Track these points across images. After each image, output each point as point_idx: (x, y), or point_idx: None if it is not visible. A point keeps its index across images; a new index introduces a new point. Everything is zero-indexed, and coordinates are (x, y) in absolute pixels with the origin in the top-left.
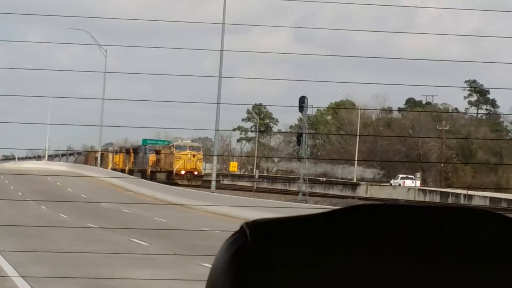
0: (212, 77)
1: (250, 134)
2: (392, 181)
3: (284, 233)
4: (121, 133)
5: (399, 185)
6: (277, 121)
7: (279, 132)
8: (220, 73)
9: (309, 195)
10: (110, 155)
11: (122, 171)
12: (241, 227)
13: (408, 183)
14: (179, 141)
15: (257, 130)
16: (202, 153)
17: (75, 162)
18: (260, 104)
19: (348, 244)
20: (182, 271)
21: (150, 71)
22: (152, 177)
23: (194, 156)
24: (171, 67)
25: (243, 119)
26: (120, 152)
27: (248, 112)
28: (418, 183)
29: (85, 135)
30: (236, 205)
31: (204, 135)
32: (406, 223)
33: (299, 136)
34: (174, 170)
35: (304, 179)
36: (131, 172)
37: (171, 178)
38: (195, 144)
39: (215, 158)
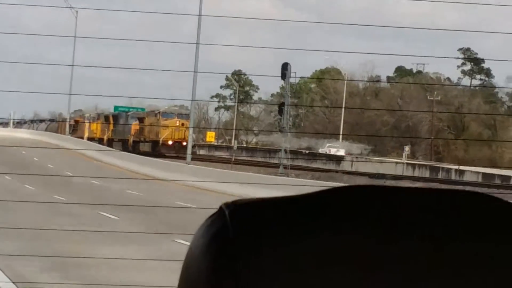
0: (189, 43)
1: (229, 103)
2: (320, 149)
3: (266, 215)
4: (91, 99)
5: (326, 153)
6: (258, 89)
7: (260, 101)
8: (198, 40)
9: (291, 168)
10: (87, 123)
11: (100, 140)
12: (220, 208)
13: (333, 151)
14: (166, 107)
15: (237, 98)
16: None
17: (46, 130)
18: (240, 71)
19: (334, 227)
20: (155, 248)
21: (124, 35)
22: (135, 147)
23: (183, 124)
24: (147, 31)
25: (221, 86)
26: (98, 119)
27: (227, 79)
28: (343, 152)
29: (53, 101)
30: (214, 181)
31: (180, 102)
32: (393, 204)
33: (281, 105)
34: (161, 140)
35: (285, 151)
36: (110, 142)
37: (156, 150)
38: (184, 111)
39: (191, 128)
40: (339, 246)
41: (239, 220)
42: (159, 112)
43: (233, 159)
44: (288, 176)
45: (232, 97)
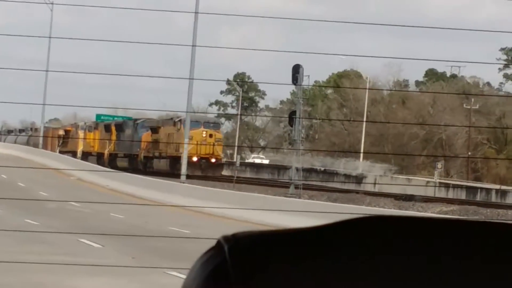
0: (184, 40)
1: (231, 110)
2: (246, 160)
3: (270, 251)
4: (70, 107)
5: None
6: (264, 95)
7: (267, 109)
8: (194, 41)
9: (303, 188)
10: (81, 133)
11: (100, 155)
12: (218, 242)
13: (258, 161)
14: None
15: (239, 106)
16: (221, 132)
17: (27, 143)
18: (243, 74)
19: (345, 265)
20: (144, 280)
21: (108, 31)
22: (147, 165)
23: (211, 136)
24: (134, 26)
25: (222, 92)
26: (96, 128)
27: (229, 83)
28: (267, 161)
29: (24, 108)
30: (213, 206)
31: (173, 108)
32: (405, 237)
33: (292, 114)
34: (182, 155)
35: (297, 168)
36: (113, 157)
37: (176, 168)
38: (212, 119)
39: (186, 140)
40: None
41: (239, 258)
42: (179, 120)
43: (235, 177)
44: (300, 198)
45: (234, 104)
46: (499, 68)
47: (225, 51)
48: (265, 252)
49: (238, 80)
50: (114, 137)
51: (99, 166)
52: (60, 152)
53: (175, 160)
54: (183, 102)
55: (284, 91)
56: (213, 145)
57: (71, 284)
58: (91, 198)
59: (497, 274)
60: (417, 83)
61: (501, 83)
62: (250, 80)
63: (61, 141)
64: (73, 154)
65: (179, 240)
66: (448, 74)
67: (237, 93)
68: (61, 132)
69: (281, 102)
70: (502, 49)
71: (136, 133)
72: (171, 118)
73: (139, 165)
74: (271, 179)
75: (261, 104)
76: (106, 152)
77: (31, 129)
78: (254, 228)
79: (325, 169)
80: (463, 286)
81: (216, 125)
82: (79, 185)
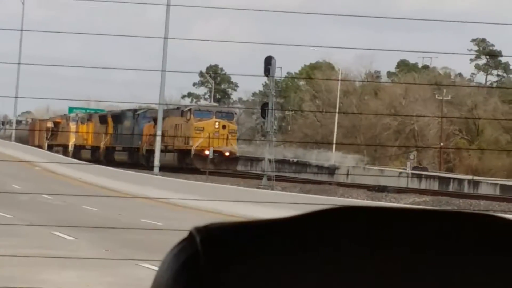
0: (156, 33)
1: (203, 103)
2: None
3: (242, 242)
4: (42, 99)
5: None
6: (237, 87)
7: (240, 101)
8: (166, 33)
9: (276, 180)
10: (72, 126)
11: (95, 149)
12: (190, 233)
13: None
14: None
15: (212, 98)
16: (236, 123)
17: (11, 137)
18: (216, 66)
19: (317, 256)
20: (117, 272)
21: (80, 24)
22: (150, 159)
23: (224, 127)
24: (107, 19)
25: (194, 84)
26: (89, 120)
27: (201, 75)
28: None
29: None
30: (186, 198)
31: (146, 100)
32: (373, 227)
33: (264, 106)
34: (193, 149)
35: (269, 160)
36: (110, 151)
37: (186, 162)
38: (226, 108)
39: (159, 132)
40: (323, 283)
41: (211, 249)
42: (189, 110)
43: (207, 170)
44: (272, 189)
45: (207, 96)
46: (471, 59)
47: (197, 44)
48: (237, 243)
49: (210, 72)
50: (111, 129)
51: (69, 158)
52: (49, 146)
53: (183, 154)
54: (155, 94)
55: (257, 83)
56: (227, 137)
57: (44, 277)
58: (64, 191)
59: (470, 264)
60: (389, 74)
61: (473, 73)
62: (223, 72)
63: (49, 134)
64: (64, 147)
65: (152, 232)
66: (420, 65)
67: (210, 85)
68: (50, 125)
69: (254, 94)
70: (473, 40)
71: (136, 124)
72: (178, 108)
73: (140, 159)
74: (244, 171)
75: (234, 96)
76: (101, 145)
77: (17, 121)
78: (227, 219)
79: (297, 161)
80: (435, 276)
81: (230, 115)
82: (53, 178)
